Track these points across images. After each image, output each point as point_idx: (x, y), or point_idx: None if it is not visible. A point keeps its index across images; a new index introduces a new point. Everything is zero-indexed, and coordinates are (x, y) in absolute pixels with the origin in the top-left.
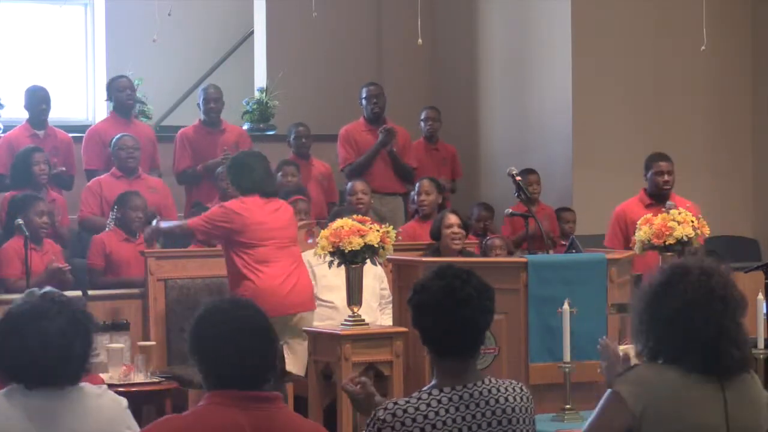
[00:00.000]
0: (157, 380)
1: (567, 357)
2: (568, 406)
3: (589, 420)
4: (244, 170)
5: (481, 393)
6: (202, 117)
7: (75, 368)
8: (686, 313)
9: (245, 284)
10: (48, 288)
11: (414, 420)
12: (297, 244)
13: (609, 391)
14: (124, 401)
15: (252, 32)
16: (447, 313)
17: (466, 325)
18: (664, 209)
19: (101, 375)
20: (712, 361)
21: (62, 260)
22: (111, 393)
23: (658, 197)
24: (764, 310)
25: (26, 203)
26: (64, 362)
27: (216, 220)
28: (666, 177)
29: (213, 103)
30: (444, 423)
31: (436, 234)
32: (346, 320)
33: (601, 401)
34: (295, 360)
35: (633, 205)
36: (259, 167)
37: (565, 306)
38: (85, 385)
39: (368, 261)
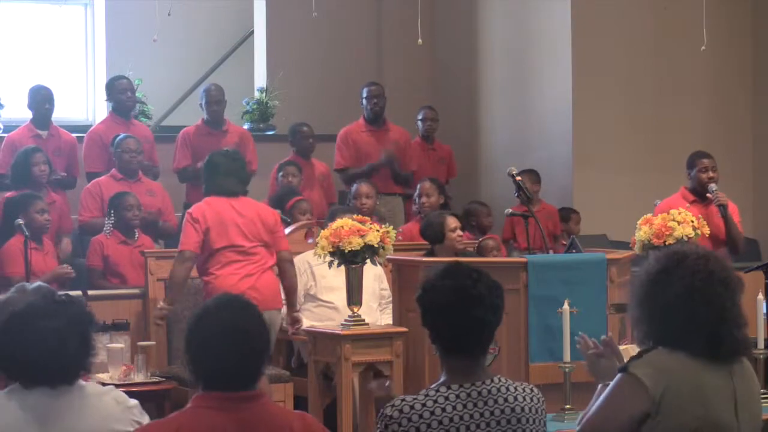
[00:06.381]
0: (157, 380)
1: (567, 357)
2: (568, 406)
3: (597, 405)
4: (208, 170)
5: (489, 391)
6: (205, 117)
7: (70, 368)
8: (688, 298)
9: (205, 286)
10: (38, 283)
11: (421, 416)
12: (268, 246)
13: (621, 374)
14: (130, 401)
15: (252, 32)
16: (458, 313)
17: (478, 325)
18: (709, 195)
19: (101, 375)
20: (716, 344)
21: (57, 259)
22: (116, 392)
23: (700, 194)
24: (764, 310)
25: (27, 202)
26: (58, 363)
27: (186, 229)
28: (710, 173)
29: (215, 106)
30: (451, 420)
31: (440, 237)
32: (346, 320)
33: (612, 385)
34: None
35: (677, 202)
36: (223, 166)
37: (565, 306)
38: (88, 384)
39: (368, 261)
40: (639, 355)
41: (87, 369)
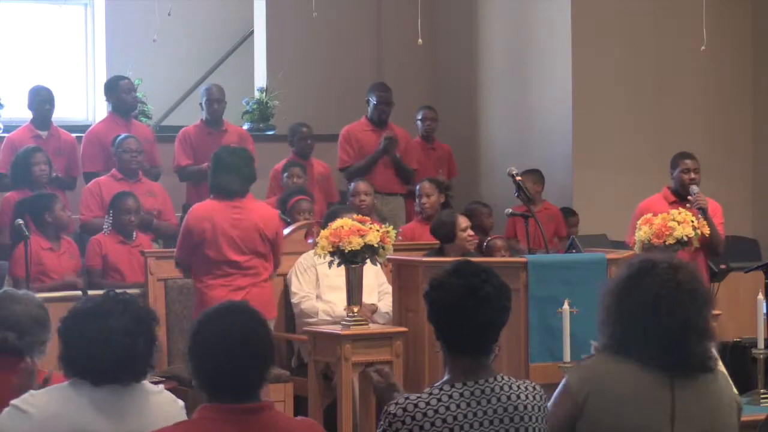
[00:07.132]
0: (156, 380)
1: (567, 357)
2: None
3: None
4: (214, 166)
5: (492, 389)
6: (204, 117)
7: (139, 366)
8: (653, 306)
9: (196, 293)
10: (24, 291)
11: (425, 415)
12: (265, 256)
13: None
14: (179, 401)
15: (252, 32)
16: (465, 313)
17: (484, 325)
18: (690, 197)
19: None
20: (676, 355)
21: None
22: (167, 392)
23: (682, 195)
24: (764, 310)
25: (51, 201)
26: (128, 361)
27: (181, 239)
28: (692, 174)
29: (216, 104)
30: (455, 418)
31: (451, 236)
32: (346, 320)
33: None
34: None
35: (657, 202)
36: (229, 164)
37: (565, 306)
38: (146, 382)
39: (368, 261)
40: (585, 359)
41: (153, 366)
